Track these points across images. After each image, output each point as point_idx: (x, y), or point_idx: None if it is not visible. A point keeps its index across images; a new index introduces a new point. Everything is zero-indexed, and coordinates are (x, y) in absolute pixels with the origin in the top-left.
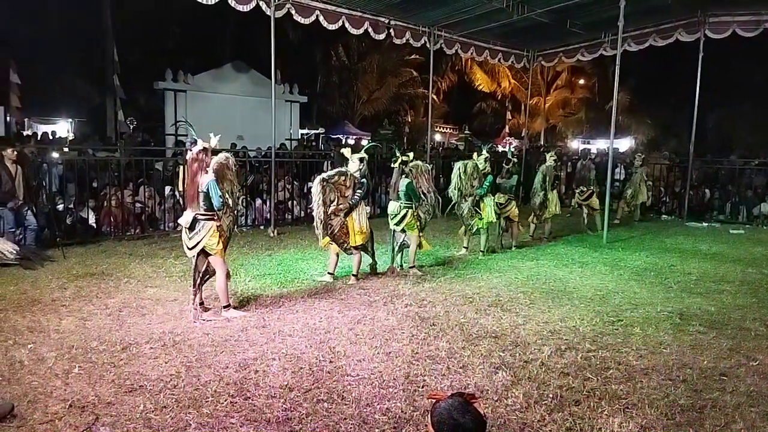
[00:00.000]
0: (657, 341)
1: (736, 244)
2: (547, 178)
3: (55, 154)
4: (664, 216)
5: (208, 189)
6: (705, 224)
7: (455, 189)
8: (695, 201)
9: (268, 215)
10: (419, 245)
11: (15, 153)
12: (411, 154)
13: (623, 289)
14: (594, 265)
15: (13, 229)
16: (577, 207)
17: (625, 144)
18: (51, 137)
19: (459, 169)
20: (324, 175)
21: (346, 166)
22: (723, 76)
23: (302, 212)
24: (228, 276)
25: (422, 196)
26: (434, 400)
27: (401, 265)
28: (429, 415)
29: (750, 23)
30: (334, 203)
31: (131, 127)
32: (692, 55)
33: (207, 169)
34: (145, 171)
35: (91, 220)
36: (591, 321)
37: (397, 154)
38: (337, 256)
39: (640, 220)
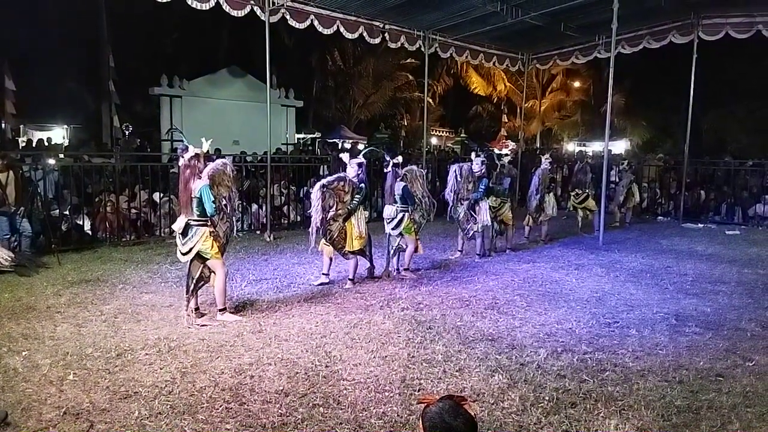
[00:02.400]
0: (653, 342)
1: (731, 245)
2: (543, 181)
3: (51, 161)
4: (659, 217)
5: (200, 195)
6: (700, 225)
7: (451, 191)
8: (691, 202)
9: (264, 220)
10: (415, 249)
11: (2, 160)
12: (400, 157)
13: (619, 290)
14: (590, 267)
15: (8, 236)
16: (572, 210)
17: (620, 146)
18: (47, 144)
19: (455, 171)
20: (324, 181)
21: (344, 171)
22: (717, 78)
23: (298, 217)
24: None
25: (418, 200)
26: (425, 404)
27: (397, 269)
28: (420, 419)
29: (743, 25)
30: (333, 208)
31: (127, 133)
32: (686, 57)
33: (200, 174)
34: (141, 176)
35: (87, 227)
36: (587, 323)
37: (387, 158)
38: (330, 258)
39: (633, 222)
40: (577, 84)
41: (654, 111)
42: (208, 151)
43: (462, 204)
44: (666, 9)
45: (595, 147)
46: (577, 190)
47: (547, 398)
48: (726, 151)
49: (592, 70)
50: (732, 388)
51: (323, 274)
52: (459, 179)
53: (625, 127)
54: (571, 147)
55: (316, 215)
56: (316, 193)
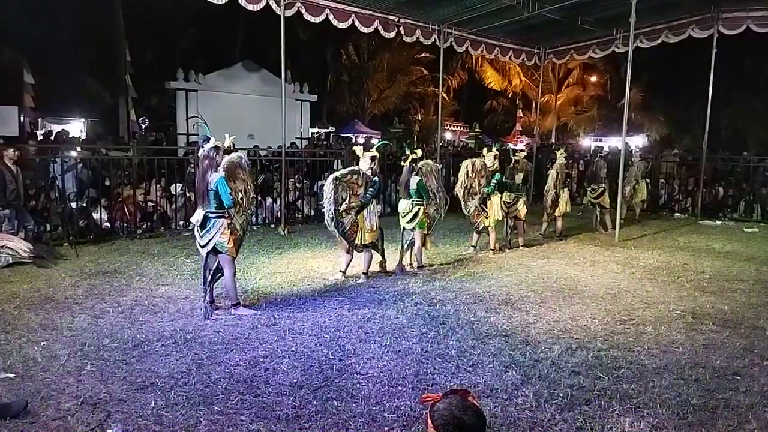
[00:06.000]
0: (669, 340)
1: (750, 243)
2: (558, 176)
3: (73, 153)
4: (677, 214)
5: (217, 187)
6: (718, 222)
7: (461, 187)
8: (708, 199)
9: (279, 214)
10: (423, 243)
11: (16, 153)
12: (419, 152)
13: (635, 287)
14: (605, 264)
15: (13, 229)
16: (589, 205)
17: (637, 141)
18: (64, 137)
19: (467, 166)
20: (337, 173)
21: (358, 165)
22: (736, 73)
23: (312, 211)
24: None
25: (432, 194)
26: (431, 402)
27: (411, 264)
28: (430, 419)
29: (764, 19)
30: (346, 201)
31: (143, 126)
32: (705, 52)
33: (218, 167)
34: (157, 170)
35: (104, 219)
36: (602, 320)
37: (407, 152)
38: (351, 255)
39: (640, 219)
40: (593, 78)
41: (672, 106)
42: (229, 146)
43: (473, 198)
44: (685, 3)
45: (611, 142)
46: (593, 185)
47: (561, 395)
48: (746, 146)
49: (609, 65)
50: (749, 387)
51: (340, 271)
52: (470, 174)
53: (643, 122)
54: (587, 142)
55: (328, 207)
56: (329, 185)
